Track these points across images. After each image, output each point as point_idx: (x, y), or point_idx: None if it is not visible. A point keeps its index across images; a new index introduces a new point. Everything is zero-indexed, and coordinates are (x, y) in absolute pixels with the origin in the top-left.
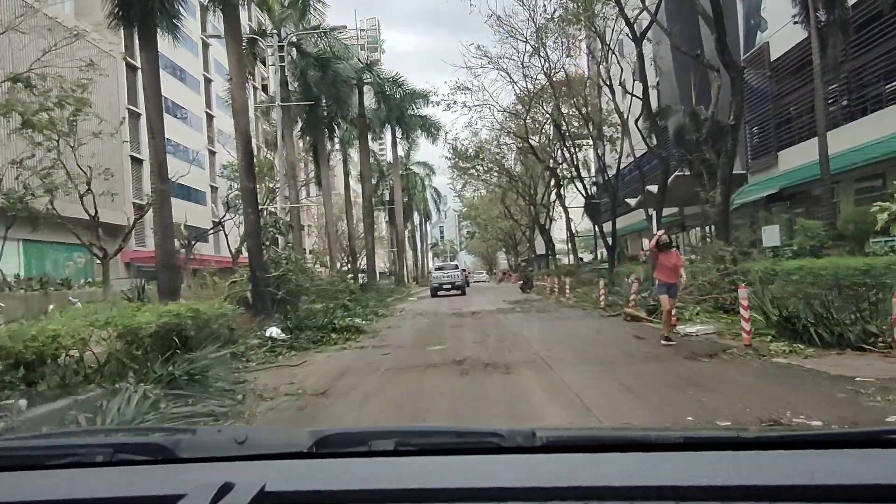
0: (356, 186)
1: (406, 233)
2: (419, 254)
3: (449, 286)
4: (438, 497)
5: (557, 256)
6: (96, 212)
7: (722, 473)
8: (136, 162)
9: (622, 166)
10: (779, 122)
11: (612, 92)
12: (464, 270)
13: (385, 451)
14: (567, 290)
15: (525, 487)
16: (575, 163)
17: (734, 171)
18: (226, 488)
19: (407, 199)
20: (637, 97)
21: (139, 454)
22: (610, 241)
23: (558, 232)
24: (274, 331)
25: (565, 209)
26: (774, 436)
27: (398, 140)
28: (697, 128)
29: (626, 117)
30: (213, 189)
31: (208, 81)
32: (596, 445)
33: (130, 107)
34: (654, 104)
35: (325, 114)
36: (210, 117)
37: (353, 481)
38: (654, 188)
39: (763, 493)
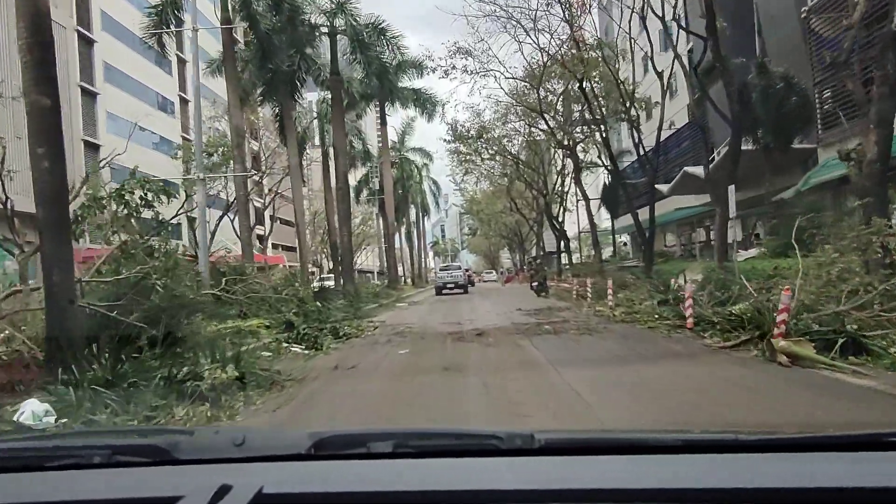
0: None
1: (402, 229)
2: (418, 252)
3: (452, 285)
4: (437, 499)
5: (541, 258)
6: (7, 198)
7: (720, 476)
8: (91, 147)
9: (641, 145)
10: (867, 79)
11: (665, 29)
12: (467, 270)
13: (383, 453)
14: (610, 297)
15: (524, 490)
16: (603, 134)
17: (798, 146)
18: (224, 490)
19: (402, 191)
20: (698, 35)
21: (137, 456)
22: (647, 232)
23: (569, 226)
24: (32, 411)
25: (585, 196)
26: (773, 439)
27: (388, 118)
28: (770, 83)
29: (666, 83)
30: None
31: (182, 62)
32: (594, 448)
33: (84, 84)
34: (689, 63)
35: (287, 68)
36: (184, 101)
37: (352, 483)
38: (695, 169)
39: (761, 496)
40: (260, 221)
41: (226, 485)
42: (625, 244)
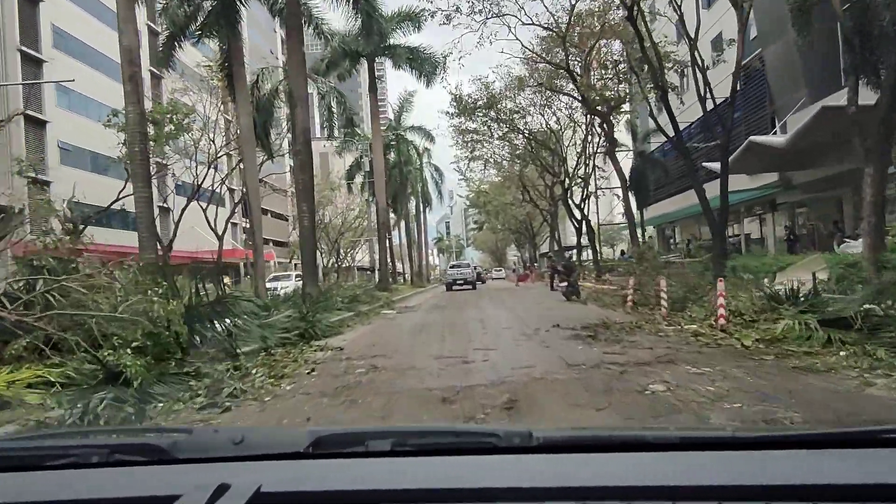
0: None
1: (402, 223)
2: (418, 247)
3: (462, 281)
4: (435, 497)
5: (571, 252)
6: None
7: (718, 473)
8: (35, 123)
9: (709, 90)
10: None
11: None
12: (476, 268)
13: (382, 451)
14: (721, 309)
15: (521, 487)
16: (660, 81)
17: None
18: (222, 489)
19: (400, 178)
20: None
21: (136, 455)
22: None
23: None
24: None
25: (620, 172)
26: (771, 436)
27: (384, 96)
28: None
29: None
30: None
31: (154, 34)
32: (592, 445)
33: (26, 49)
34: None
35: None
36: (156, 77)
37: (350, 481)
38: (766, 138)
39: (759, 492)
40: (246, 213)
41: (224, 483)
42: (650, 237)
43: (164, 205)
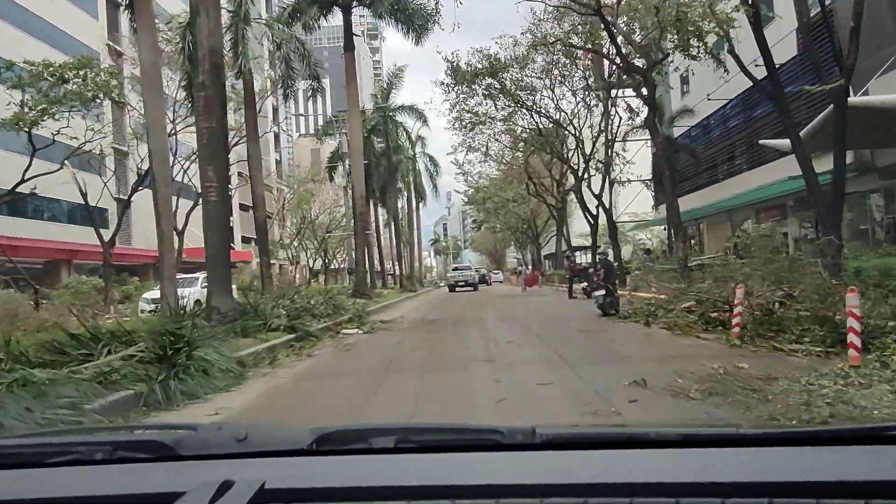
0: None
1: (391, 218)
2: (410, 246)
3: (464, 283)
4: (438, 494)
5: (577, 254)
6: None
7: (721, 470)
8: None
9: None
10: None
11: None
12: (478, 270)
13: (385, 448)
14: None
15: (524, 484)
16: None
17: None
18: (226, 486)
19: (388, 167)
20: None
21: (139, 452)
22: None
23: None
24: None
25: (663, 145)
26: (773, 432)
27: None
28: None
29: None
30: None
31: (115, 5)
32: (595, 442)
33: None
34: None
35: None
36: (116, 54)
37: (354, 478)
38: (863, 98)
39: (762, 489)
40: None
41: (228, 480)
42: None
43: (123, 196)
